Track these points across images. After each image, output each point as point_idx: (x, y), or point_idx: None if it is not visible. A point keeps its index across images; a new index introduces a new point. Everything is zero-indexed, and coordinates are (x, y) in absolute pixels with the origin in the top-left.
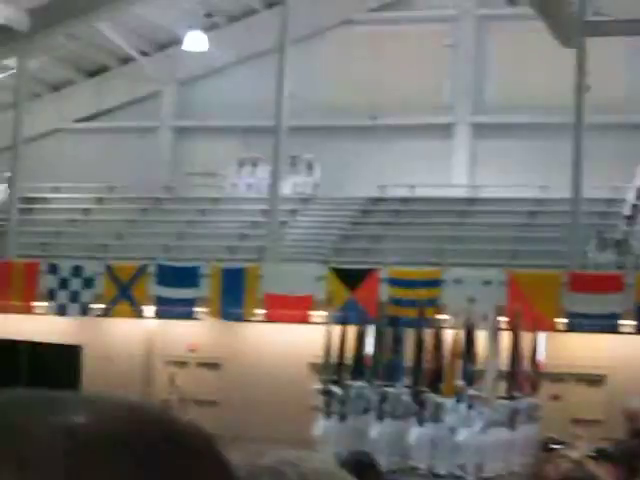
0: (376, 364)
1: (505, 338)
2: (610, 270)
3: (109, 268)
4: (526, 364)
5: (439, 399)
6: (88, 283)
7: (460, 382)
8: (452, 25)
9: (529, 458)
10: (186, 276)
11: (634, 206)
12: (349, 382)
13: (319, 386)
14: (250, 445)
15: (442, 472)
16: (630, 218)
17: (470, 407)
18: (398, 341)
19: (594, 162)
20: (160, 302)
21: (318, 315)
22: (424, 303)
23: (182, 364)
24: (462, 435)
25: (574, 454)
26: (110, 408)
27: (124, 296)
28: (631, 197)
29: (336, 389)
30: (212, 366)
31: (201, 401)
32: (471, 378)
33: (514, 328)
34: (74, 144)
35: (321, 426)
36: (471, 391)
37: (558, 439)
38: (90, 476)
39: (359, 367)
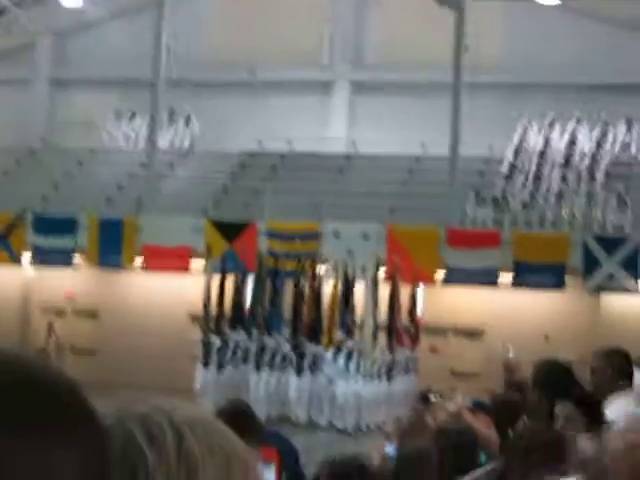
0: (255, 315)
1: (384, 291)
2: (488, 227)
3: None
4: (405, 317)
5: (318, 350)
6: None
7: (339, 334)
8: None
9: (407, 410)
10: (63, 226)
11: (512, 165)
12: (228, 332)
13: (198, 336)
14: (125, 393)
15: (322, 422)
16: (508, 177)
17: (349, 359)
18: (277, 293)
19: (473, 121)
20: (37, 250)
21: (197, 265)
22: (302, 256)
23: (60, 312)
24: (340, 387)
25: (451, 406)
26: None
27: (1, 244)
28: (509, 155)
29: (215, 339)
30: (90, 314)
31: (79, 349)
32: (350, 330)
33: (393, 281)
34: None
35: (200, 376)
36: (350, 343)
37: (435, 391)
38: None
39: (238, 318)
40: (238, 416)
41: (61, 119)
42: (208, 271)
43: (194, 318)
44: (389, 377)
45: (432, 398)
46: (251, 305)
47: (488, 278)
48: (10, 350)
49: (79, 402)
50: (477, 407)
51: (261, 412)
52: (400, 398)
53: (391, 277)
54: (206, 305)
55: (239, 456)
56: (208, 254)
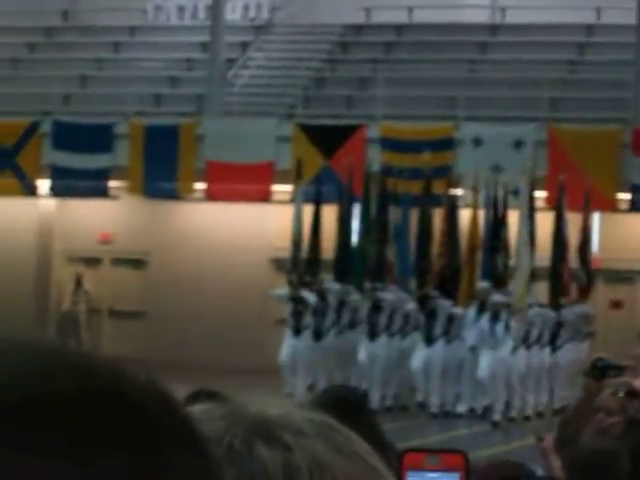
0: (364, 259)
1: (545, 221)
2: None
3: None
4: (574, 258)
5: (454, 308)
6: None
7: (482, 284)
8: None
9: (576, 389)
10: (94, 137)
11: None
12: (328, 285)
13: (285, 291)
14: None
15: (460, 410)
16: None
17: (496, 319)
18: (397, 227)
19: None
20: (58, 174)
21: (282, 191)
22: (430, 173)
23: (92, 261)
24: (486, 359)
25: (638, 383)
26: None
27: (8, 165)
28: None
29: (309, 295)
30: (134, 264)
31: (120, 312)
32: (498, 278)
33: (557, 207)
34: None
35: (289, 348)
36: (497, 296)
37: (613, 362)
38: None
39: (342, 263)
40: (344, 408)
41: None
42: (298, 199)
43: (279, 266)
44: (553, 344)
45: (611, 372)
46: (359, 245)
47: None
48: (72, 349)
49: (180, 422)
50: None
51: (375, 397)
52: (567, 374)
53: (554, 201)
54: (296, 247)
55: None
56: (298, 174)
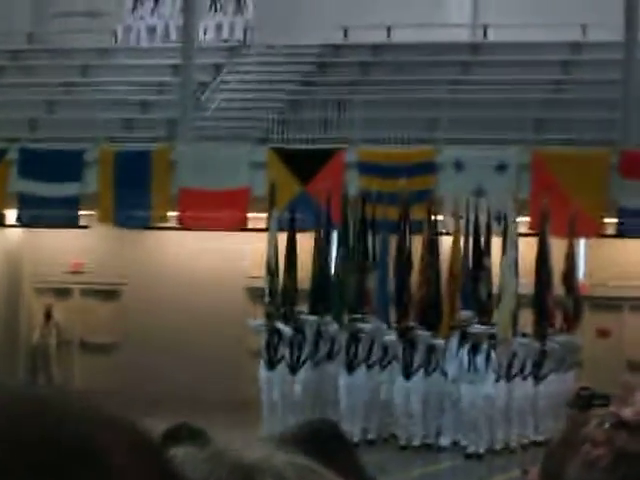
0: (343, 288)
1: (528, 247)
2: None
3: None
4: (559, 286)
5: (434, 339)
6: None
7: (465, 313)
8: None
9: (560, 421)
10: (63, 164)
11: None
12: (304, 316)
13: (260, 322)
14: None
15: (443, 443)
16: None
17: (476, 350)
18: (375, 254)
19: None
20: (26, 203)
21: (257, 218)
22: (411, 198)
23: (62, 292)
24: (467, 391)
25: (627, 413)
26: None
27: None
28: None
29: (285, 326)
30: (106, 294)
31: (91, 345)
32: (481, 308)
33: (541, 233)
34: None
35: (264, 382)
36: (477, 327)
37: (599, 392)
38: None
39: (318, 293)
40: (321, 442)
41: (56, 8)
42: (272, 226)
43: (255, 295)
44: (537, 375)
45: (597, 402)
46: (337, 274)
47: None
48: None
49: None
50: None
51: (355, 430)
52: (551, 405)
53: (538, 227)
54: (272, 276)
55: None
56: (271, 200)
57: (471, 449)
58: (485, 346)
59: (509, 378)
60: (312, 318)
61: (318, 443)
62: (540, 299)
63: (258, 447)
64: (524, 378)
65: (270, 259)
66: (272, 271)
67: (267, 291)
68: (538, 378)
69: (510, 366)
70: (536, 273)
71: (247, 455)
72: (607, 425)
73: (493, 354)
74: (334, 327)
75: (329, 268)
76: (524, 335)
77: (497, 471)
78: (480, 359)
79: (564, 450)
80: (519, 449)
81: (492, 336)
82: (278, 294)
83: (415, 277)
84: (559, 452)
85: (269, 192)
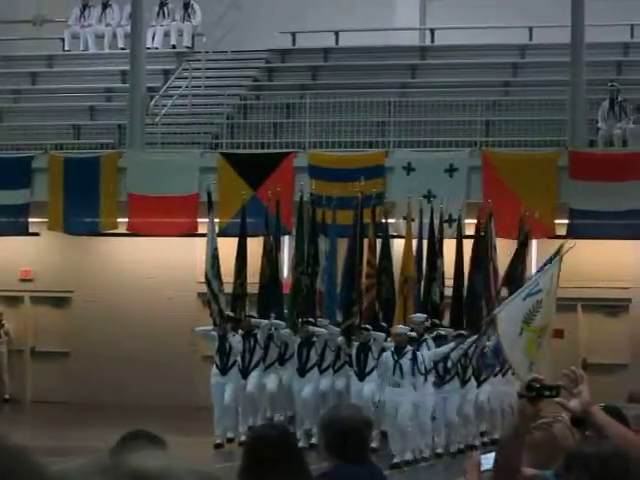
0: (296, 292)
1: (479, 250)
2: (631, 148)
3: None
4: (504, 287)
5: (387, 343)
6: None
7: (417, 316)
8: None
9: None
10: (12, 172)
11: None
12: (255, 320)
13: (210, 327)
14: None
15: (407, 457)
16: None
17: (400, 354)
18: (326, 259)
19: None
20: None
21: (206, 224)
22: (362, 201)
23: (12, 300)
24: (390, 397)
25: (573, 404)
26: None
27: None
28: None
29: (233, 332)
30: (57, 302)
31: (42, 353)
32: (434, 310)
33: (484, 234)
34: None
35: (216, 386)
36: (400, 328)
37: (549, 382)
38: None
39: (267, 297)
40: (268, 447)
41: (2, 16)
42: (224, 232)
43: (206, 300)
44: (478, 377)
45: (546, 393)
46: (292, 279)
47: (634, 228)
48: None
49: None
50: (613, 412)
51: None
52: (494, 407)
53: (483, 230)
54: (220, 281)
55: None
56: (223, 207)
57: (396, 459)
58: (410, 348)
59: (445, 381)
60: (264, 322)
61: (265, 445)
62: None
63: (159, 457)
64: (465, 381)
65: (209, 265)
66: (209, 277)
67: (210, 297)
68: (480, 381)
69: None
70: (469, 275)
71: (146, 464)
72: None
73: (422, 356)
74: (285, 331)
75: (277, 273)
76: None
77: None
78: (406, 362)
79: (515, 442)
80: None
81: (443, 337)
82: (229, 298)
83: (365, 280)
84: (510, 444)
85: (220, 198)
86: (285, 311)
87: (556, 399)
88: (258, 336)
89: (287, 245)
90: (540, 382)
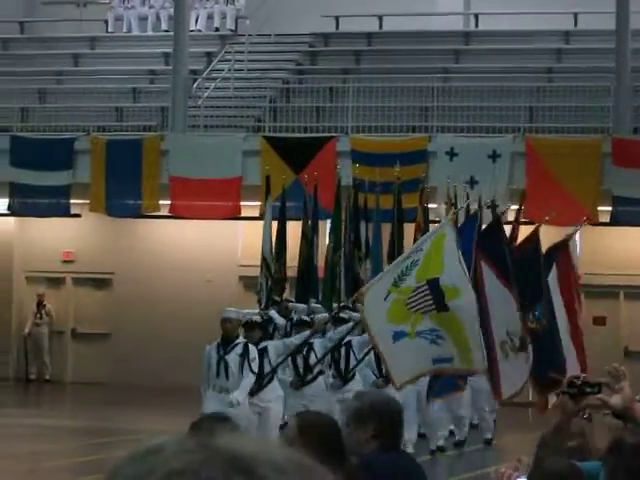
0: (333, 277)
1: (521, 236)
2: None
3: None
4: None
5: None
6: None
7: None
8: None
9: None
10: (54, 153)
11: None
12: (293, 305)
13: (256, 310)
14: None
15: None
16: None
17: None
18: (367, 243)
19: None
20: (17, 192)
21: (249, 207)
22: (403, 186)
23: (54, 282)
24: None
25: (615, 400)
26: None
27: None
28: None
29: (277, 314)
30: (98, 283)
31: (83, 335)
32: None
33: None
34: None
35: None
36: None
37: (591, 380)
38: None
39: (308, 282)
40: (319, 438)
41: None
42: (267, 215)
43: (247, 284)
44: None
45: (588, 390)
46: (329, 262)
47: None
48: None
49: None
50: None
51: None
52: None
53: (532, 214)
54: (267, 265)
55: None
56: (266, 189)
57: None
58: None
59: None
60: (301, 306)
61: (312, 433)
62: None
63: (251, 440)
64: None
65: (265, 249)
66: (267, 261)
67: (262, 279)
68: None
69: None
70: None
71: (240, 446)
72: (586, 415)
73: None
74: (324, 315)
75: (315, 257)
76: None
77: None
78: None
79: (558, 438)
80: None
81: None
82: (271, 283)
83: None
84: (553, 441)
85: (264, 181)
86: (321, 295)
87: (598, 395)
88: (295, 319)
89: (328, 229)
90: (582, 379)
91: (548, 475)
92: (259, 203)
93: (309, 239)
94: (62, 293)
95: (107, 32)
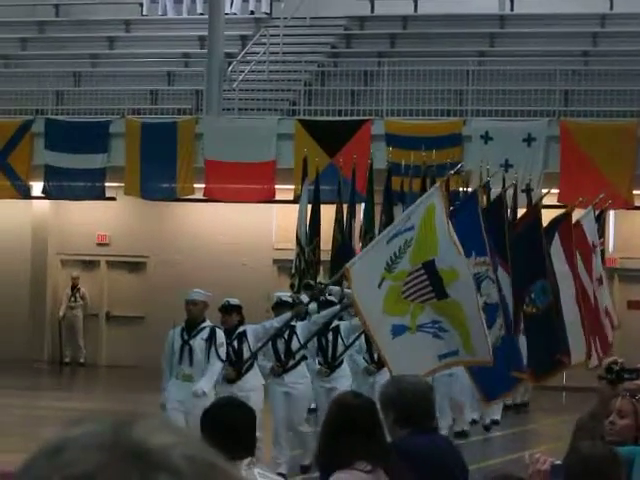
0: None
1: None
2: None
3: None
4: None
5: None
6: None
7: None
8: None
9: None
10: (89, 136)
11: None
12: (328, 288)
13: (288, 294)
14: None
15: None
16: None
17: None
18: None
19: None
20: (52, 175)
21: (283, 190)
22: (438, 170)
23: (88, 264)
24: None
25: None
26: None
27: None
28: None
29: (307, 299)
30: (133, 266)
31: (117, 318)
32: None
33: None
34: None
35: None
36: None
37: (628, 366)
38: None
39: (341, 266)
40: (361, 420)
41: None
42: (303, 199)
43: (282, 267)
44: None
45: (626, 376)
46: (360, 246)
47: None
48: None
49: None
50: None
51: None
52: None
53: (568, 199)
54: (302, 249)
55: None
56: (304, 172)
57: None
58: None
59: None
60: (335, 289)
61: (348, 415)
62: None
63: (165, 433)
64: None
65: (300, 231)
66: (302, 244)
67: (296, 263)
68: None
69: None
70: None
71: (149, 441)
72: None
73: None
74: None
75: (349, 240)
76: None
77: None
78: None
79: (594, 423)
80: None
81: None
82: (305, 266)
83: None
84: (589, 425)
85: (302, 164)
86: None
87: (636, 381)
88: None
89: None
90: (620, 365)
91: (584, 459)
92: (293, 186)
93: (341, 223)
94: (96, 276)
95: (142, 15)
